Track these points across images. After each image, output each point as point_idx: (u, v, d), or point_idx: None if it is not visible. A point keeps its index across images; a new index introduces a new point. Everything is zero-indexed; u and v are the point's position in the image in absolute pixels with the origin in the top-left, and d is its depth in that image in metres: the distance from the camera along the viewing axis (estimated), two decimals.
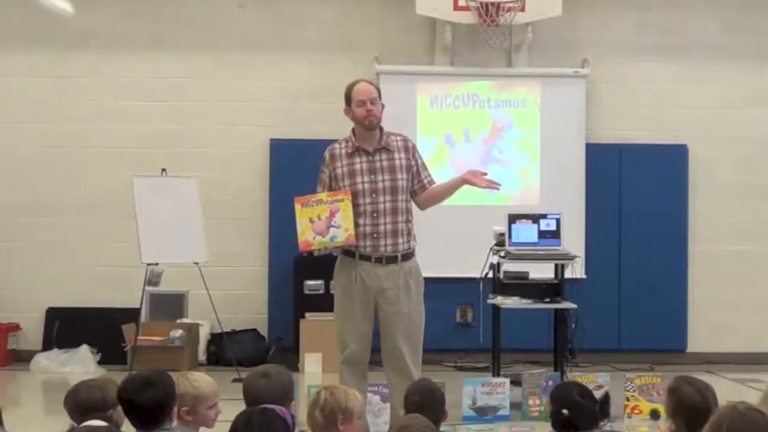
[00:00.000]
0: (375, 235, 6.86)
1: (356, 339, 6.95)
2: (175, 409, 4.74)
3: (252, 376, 4.96)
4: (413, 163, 6.99)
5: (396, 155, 6.95)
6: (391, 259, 6.89)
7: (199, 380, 4.98)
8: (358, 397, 5.10)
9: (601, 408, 4.96)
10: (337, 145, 7.02)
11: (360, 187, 6.87)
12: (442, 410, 5.33)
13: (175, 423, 4.75)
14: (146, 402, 4.55)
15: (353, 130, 7.00)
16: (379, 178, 6.90)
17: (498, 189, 7.02)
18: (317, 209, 6.81)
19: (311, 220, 6.83)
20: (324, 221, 6.81)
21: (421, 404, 5.04)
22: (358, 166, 6.91)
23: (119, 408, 4.63)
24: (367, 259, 6.89)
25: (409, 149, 7.02)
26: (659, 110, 11.83)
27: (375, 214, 6.86)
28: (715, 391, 4.90)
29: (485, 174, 6.99)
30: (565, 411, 4.87)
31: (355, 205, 6.85)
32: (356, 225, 6.83)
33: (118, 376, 4.81)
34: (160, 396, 4.59)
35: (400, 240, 6.90)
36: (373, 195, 6.87)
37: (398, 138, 7.04)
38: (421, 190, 7.03)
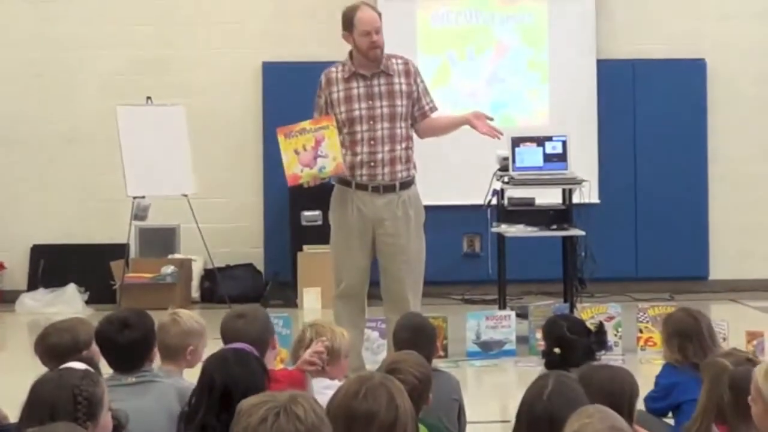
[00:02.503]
0: (372, 164, 6.87)
1: (353, 273, 6.99)
2: (155, 350, 4.84)
3: (228, 318, 4.98)
4: (414, 88, 6.97)
5: (396, 80, 6.93)
6: (389, 188, 6.90)
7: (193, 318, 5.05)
8: (345, 335, 5.20)
9: (597, 339, 5.02)
10: (333, 69, 7.00)
11: (357, 113, 6.87)
12: (433, 346, 5.39)
13: (156, 364, 4.86)
14: (124, 343, 4.65)
15: (350, 54, 6.96)
16: (377, 104, 6.89)
17: (499, 138, 7.06)
18: (302, 139, 6.80)
19: (297, 152, 6.81)
20: (310, 152, 6.79)
21: (411, 341, 5.08)
22: (355, 92, 6.90)
23: (93, 347, 4.74)
24: (363, 189, 6.91)
25: (411, 73, 6.99)
26: (676, 22, 11.70)
27: (372, 142, 6.86)
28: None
29: (491, 119, 7.01)
30: (556, 350, 4.94)
31: (352, 132, 6.87)
32: (354, 153, 6.86)
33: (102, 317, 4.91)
34: (138, 337, 4.66)
35: (398, 168, 6.90)
36: (371, 122, 6.87)
37: (399, 61, 7.00)
38: (421, 118, 7.02)
